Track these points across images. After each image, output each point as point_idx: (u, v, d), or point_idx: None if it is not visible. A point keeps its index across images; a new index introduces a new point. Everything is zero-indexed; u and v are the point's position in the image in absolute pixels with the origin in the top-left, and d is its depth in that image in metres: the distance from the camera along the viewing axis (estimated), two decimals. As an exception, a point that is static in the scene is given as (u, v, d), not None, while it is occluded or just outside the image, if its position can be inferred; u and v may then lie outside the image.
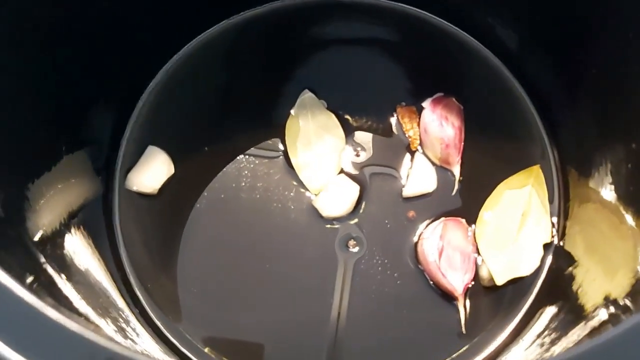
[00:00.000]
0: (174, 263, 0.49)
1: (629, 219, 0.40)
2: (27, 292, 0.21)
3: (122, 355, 0.21)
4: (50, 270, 0.36)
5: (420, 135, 0.51)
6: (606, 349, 0.26)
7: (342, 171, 0.51)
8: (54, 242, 0.40)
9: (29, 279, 0.30)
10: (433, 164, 0.51)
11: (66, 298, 0.34)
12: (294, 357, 0.47)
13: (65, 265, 0.39)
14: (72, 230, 0.43)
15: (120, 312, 0.44)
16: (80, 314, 0.33)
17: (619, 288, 0.37)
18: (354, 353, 0.48)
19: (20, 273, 0.30)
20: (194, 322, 0.48)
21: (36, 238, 0.37)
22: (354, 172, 0.51)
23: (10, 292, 0.21)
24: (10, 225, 0.34)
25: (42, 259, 0.36)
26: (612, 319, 0.35)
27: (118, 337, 0.37)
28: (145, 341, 0.44)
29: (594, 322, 0.37)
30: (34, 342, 0.21)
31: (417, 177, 0.51)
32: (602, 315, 0.37)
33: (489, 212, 0.49)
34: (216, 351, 0.47)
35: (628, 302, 0.35)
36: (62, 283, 0.36)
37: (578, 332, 0.37)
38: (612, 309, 0.36)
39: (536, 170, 0.50)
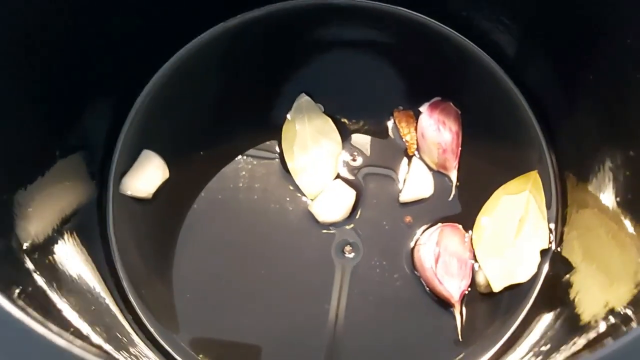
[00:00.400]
0: (168, 269, 0.49)
1: (628, 225, 0.39)
2: (14, 306, 0.21)
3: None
4: (39, 279, 0.35)
5: (417, 140, 0.51)
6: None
7: (338, 176, 0.51)
8: (45, 249, 0.39)
9: (17, 291, 0.29)
10: (430, 169, 0.51)
11: (56, 308, 0.34)
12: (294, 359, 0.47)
13: (57, 274, 0.39)
14: (65, 236, 0.43)
15: (114, 320, 0.44)
16: (70, 325, 0.33)
17: (618, 297, 0.37)
18: (353, 358, 0.47)
19: (7, 285, 0.29)
20: (189, 328, 0.47)
21: (26, 246, 0.36)
22: (350, 176, 0.51)
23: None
24: (1, 234, 0.34)
25: (32, 268, 0.35)
26: (612, 330, 0.35)
27: (111, 347, 0.37)
28: (139, 349, 0.44)
29: (593, 333, 0.36)
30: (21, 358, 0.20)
31: (414, 182, 0.50)
32: (601, 325, 0.36)
33: (486, 217, 0.49)
34: (210, 358, 0.47)
35: (629, 312, 0.34)
36: (53, 293, 0.35)
37: (576, 342, 0.37)
38: (611, 319, 0.36)
39: (534, 176, 0.50)
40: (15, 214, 0.36)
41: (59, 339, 0.20)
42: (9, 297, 0.21)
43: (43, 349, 0.20)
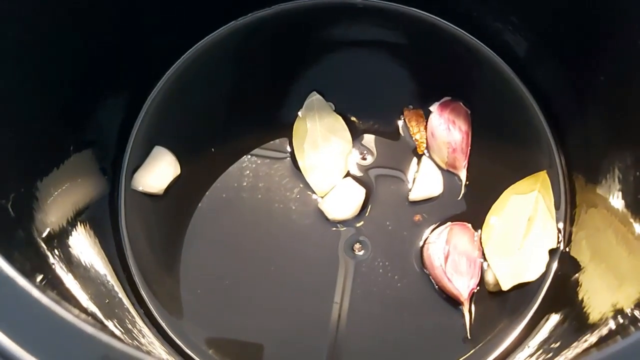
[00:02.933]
0: (179, 264, 0.49)
1: (637, 227, 0.40)
2: (41, 292, 0.21)
3: (136, 358, 0.21)
4: (58, 270, 0.36)
5: (427, 139, 0.51)
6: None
7: (348, 174, 0.51)
8: (61, 241, 0.40)
9: (39, 278, 0.30)
10: (439, 168, 0.51)
11: (74, 298, 0.34)
12: (296, 357, 0.47)
13: (73, 265, 0.39)
14: (79, 229, 0.43)
15: (126, 313, 0.44)
16: (88, 314, 0.33)
17: (626, 298, 0.37)
18: (359, 355, 0.47)
19: (31, 272, 0.30)
20: (198, 322, 0.48)
21: (44, 237, 0.37)
22: (360, 175, 0.51)
23: (24, 292, 0.21)
24: (20, 225, 0.34)
25: (51, 259, 0.36)
26: (620, 330, 0.35)
27: (125, 338, 0.37)
28: (150, 342, 0.44)
29: (601, 332, 0.36)
30: (48, 344, 0.20)
31: (424, 181, 0.50)
32: (610, 325, 0.36)
33: (495, 217, 0.49)
34: (220, 352, 0.47)
35: (637, 313, 0.34)
36: (71, 283, 0.36)
37: (585, 342, 0.37)
38: (620, 319, 0.36)
39: (543, 176, 0.50)
40: (33, 207, 0.37)
41: (88, 327, 0.20)
42: (33, 283, 0.22)
43: (71, 335, 0.20)
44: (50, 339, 0.21)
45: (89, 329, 0.20)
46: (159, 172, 0.50)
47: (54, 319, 0.21)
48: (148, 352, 0.29)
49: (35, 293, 0.21)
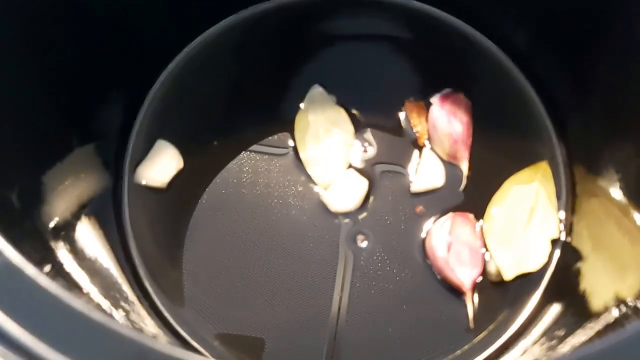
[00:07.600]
0: (182, 256, 0.49)
1: (638, 217, 0.40)
2: (48, 279, 0.21)
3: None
4: (65, 262, 0.36)
5: (428, 131, 0.51)
6: (617, 349, 0.26)
7: (350, 166, 0.51)
8: (66, 234, 0.40)
9: (47, 268, 0.30)
10: (441, 159, 0.51)
11: (82, 290, 0.35)
12: (297, 349, 0.47)
13: (78, 258, 0.39)
14: (83, 222, 0.43)
15: (132, 305, 0.44)
16: (96, 305, 0.33)
17: (628, 288, 0.37)
18: (361, 346, 0.48)
19: (39, 260, 0.30)
20: (202, 314, 0.48)
21: (49, 228, 0.37)
22: (362, 167, 0.51)
23: (34, 282, 0.21)
24: (26, 216, 0.35)
25: (56, 250, 0.36)
26: (623, 319, 0.35)
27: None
28: (155, 334, 0.44)
29: (604, 321, 0.37)
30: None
31: (425, 172, 0.51)
32: (613, 314, 0.36)
33: (496, 207, 0.49)
34: (224, 343, 0.47)
35: (639, 304, 0.35)
36: (79, 275, 0.36)
37: (587, 330, 0.37)
38: (622, 309, 0.36)
39: (544, 166, 0.51)
40: (37, 199, 0.37)
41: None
42: (42, 272, 0.22)
43: (80, 323, 0.21)
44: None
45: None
46: (161, 165, 0.50)
47: (63, 306, 0.21)
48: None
49: (44, 281, 0.21)
